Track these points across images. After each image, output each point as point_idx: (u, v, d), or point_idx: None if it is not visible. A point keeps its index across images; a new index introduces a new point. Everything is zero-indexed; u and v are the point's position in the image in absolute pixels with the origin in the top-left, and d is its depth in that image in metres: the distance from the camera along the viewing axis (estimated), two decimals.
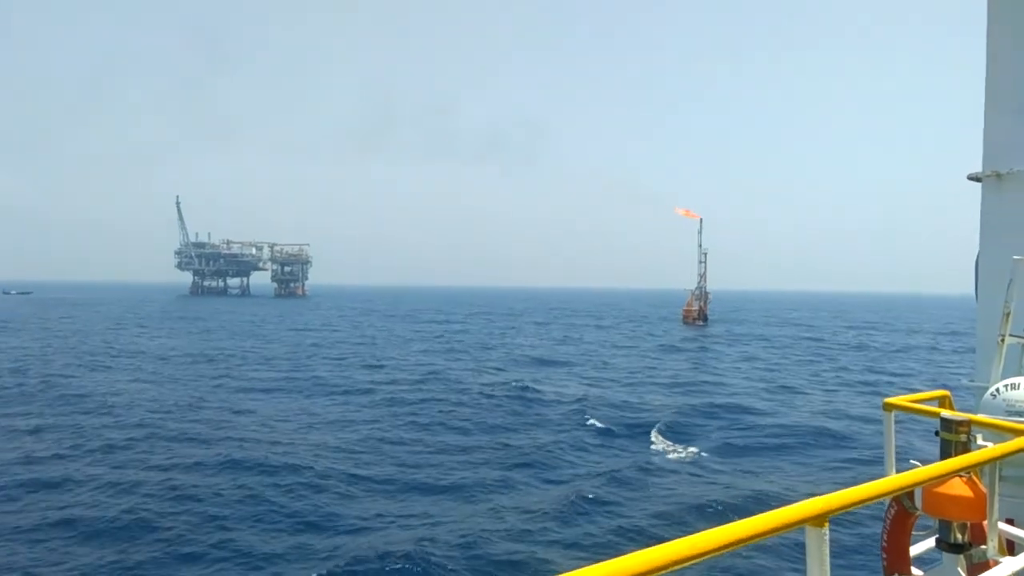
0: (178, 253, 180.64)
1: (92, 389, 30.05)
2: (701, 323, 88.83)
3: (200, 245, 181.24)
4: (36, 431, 21.80)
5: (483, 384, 33.04)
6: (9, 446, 19.79)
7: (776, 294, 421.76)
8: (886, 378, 38.80)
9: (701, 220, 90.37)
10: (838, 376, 39.63)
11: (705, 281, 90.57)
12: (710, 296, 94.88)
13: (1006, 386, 4.28)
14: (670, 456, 20.07)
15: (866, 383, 36.61)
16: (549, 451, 19.97)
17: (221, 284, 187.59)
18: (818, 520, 2.27)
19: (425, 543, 12.64)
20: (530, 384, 32.86)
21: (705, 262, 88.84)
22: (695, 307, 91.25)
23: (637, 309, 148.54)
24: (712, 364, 45.65)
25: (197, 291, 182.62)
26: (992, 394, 4.31)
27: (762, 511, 2.18)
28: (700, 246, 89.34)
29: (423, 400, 28.40)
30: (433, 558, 12.03)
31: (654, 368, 42.15)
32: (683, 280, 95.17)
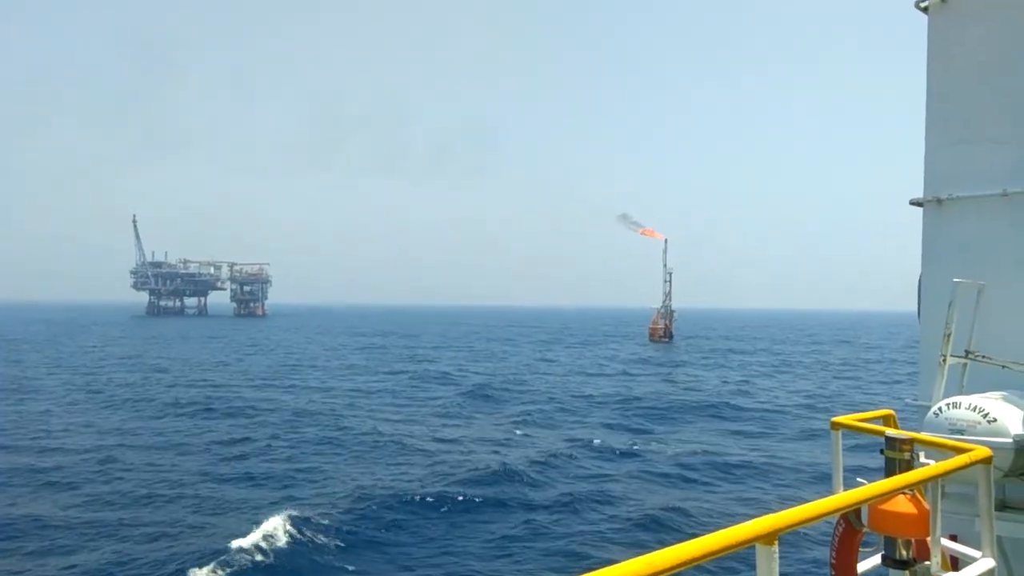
0: (134, 272, 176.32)
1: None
2: (667, 340, 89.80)
3: (157, 264, 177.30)
4: None
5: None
6: None
7: (741, 312, 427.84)
8: (832, 395, 39.54)
9: (666, 240, 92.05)
10: (792, 390, 40.44)
11: (670, 300, 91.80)
12: (675, 314, 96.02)
13: (948, 405, 4.40)
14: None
15: (816, 399, 37.31)
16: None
17: (178, 304, 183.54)
18: (768, 538, 2.29)
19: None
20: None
21: (670, 281, 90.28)
22: (661, 325, 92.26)
23: (599, 328, 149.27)
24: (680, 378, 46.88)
25: (154, 311, 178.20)
26: (935, 412, 4.43)
27: (711, 531, 2.21)
28: (665, 265, 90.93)
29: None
30: None
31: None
32: (645, 299, 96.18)
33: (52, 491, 17.79)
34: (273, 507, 15.76)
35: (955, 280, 5.00)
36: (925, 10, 5.93)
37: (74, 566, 12.80)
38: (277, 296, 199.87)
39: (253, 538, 13.61)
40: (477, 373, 49.55)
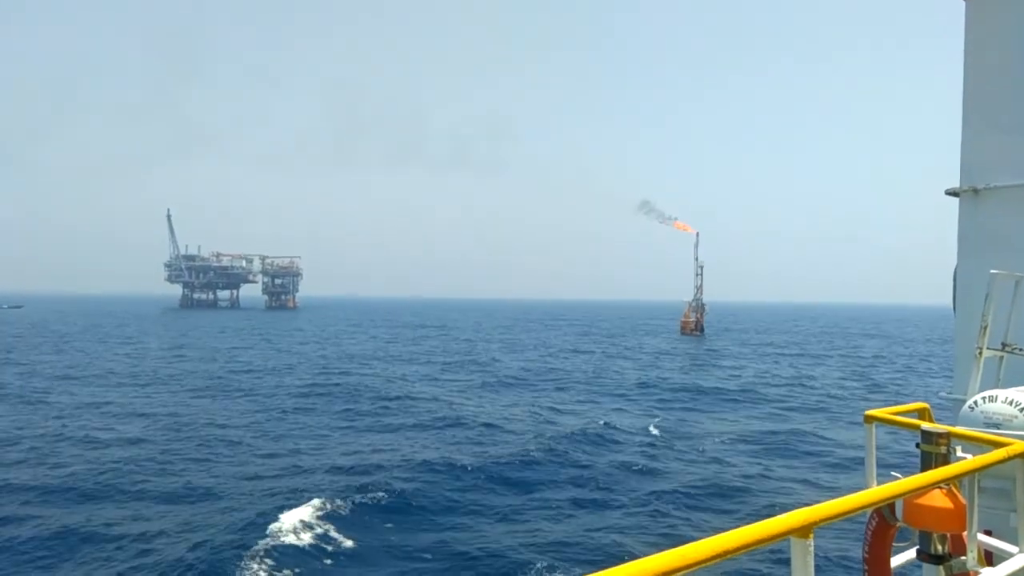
0: (168, 266, 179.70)
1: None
2: (698, 334, 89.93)
3: (190, 258, 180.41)
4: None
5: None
6: None
7: (772, 306, 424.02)
8: (868, 389, 39.12)
9: (697, 234, 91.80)
10: (818, 385, 40.13)
11: (701, 293, 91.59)
12: (706, 308, 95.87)
13: (984, 398, 4.33)
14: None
15: (847, 393, 37.01)
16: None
17: (211, 296, 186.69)
18: (803, 531, 2.30)
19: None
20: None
21: (701, 275, 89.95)
22: (692, 318, 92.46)
23: (625, 322, 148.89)
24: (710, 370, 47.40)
25: (187, 303, 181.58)
26: (971, 406, 4.36)
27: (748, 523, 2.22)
28: (696, 259, 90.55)
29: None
30: None
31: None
32: (670, 293, 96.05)
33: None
34: None
35: (992, 271, 4.89)
36: None
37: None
38: (305, 289, 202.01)
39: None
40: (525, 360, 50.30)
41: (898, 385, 41.08)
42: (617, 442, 23.16)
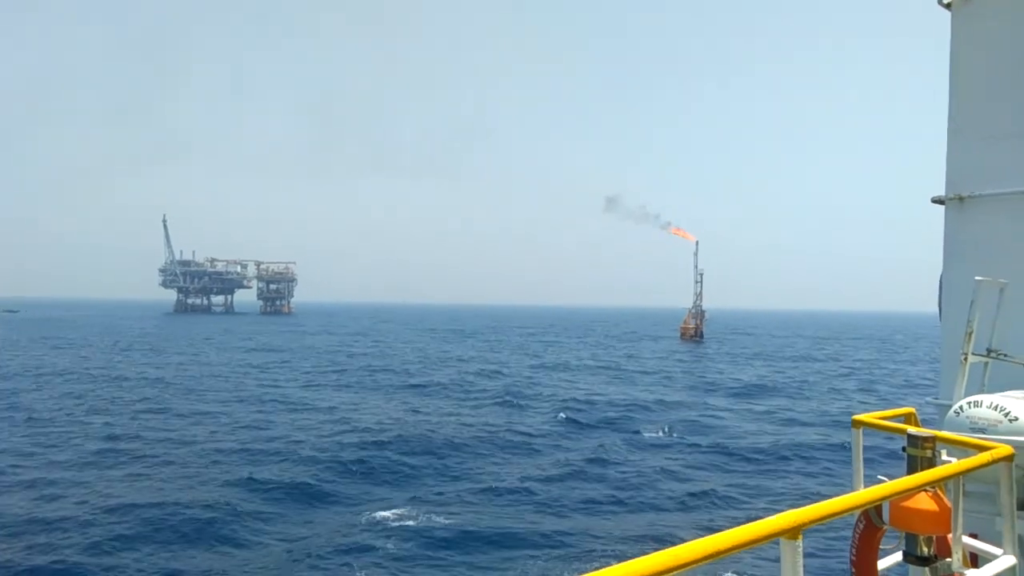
0: (162, 271, 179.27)
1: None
2: (698, 340, 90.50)
3: (185, 263, 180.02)
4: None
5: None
6: None
7: (771, 313, 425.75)
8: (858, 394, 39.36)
9: (697, 242, 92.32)
10: (810, 389, 40.37)
11: (701, 300, 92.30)
12: (706, 315, 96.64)
13: (969, 403, 4.39)
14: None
15: (839, 397, 37.27)
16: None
17: (205, 302, 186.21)
18: (792, 533, 2.34)
19: None
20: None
21: (701, 282, 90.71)
22: (692, 325, 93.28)
23: (623, 328, 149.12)
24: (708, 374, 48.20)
25: (182, 309, 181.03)
26: (956, 411, 4.42)
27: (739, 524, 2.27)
28: (696, 267, 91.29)
29: None
30: None
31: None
32: (665, 299, 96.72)
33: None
34: None
35: (977, 278, 4.95)
36: (948, 7, 5.89)
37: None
38: (299, 295, 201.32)
39: None
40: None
41: (889, 389, 41.39)
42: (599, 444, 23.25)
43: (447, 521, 15.40)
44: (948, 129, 5.82)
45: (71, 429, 25.44)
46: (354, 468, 20.17)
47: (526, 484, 18.41)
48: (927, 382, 43.79)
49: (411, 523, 15.30)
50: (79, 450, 21.97)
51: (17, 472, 19.11)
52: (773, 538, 2.30)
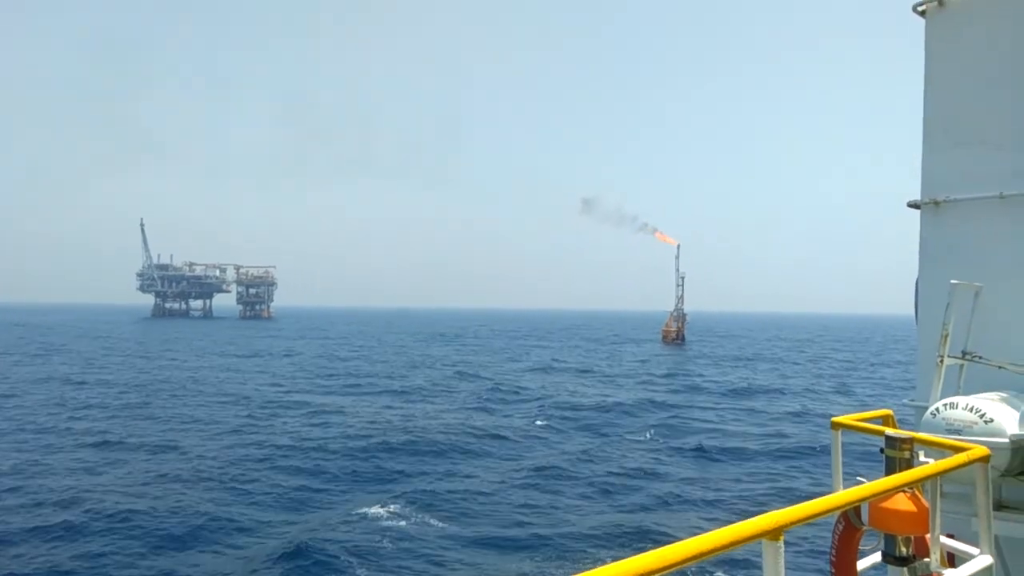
0: (140, 275, 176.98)
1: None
2: (679, 343, 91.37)
3: (163, 267, 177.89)
4: None
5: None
6: None
7: (751, 316, 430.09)
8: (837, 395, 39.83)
9: (679, 246, 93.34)
10: (788, 390, 40.83)
11: (683, 303, 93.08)
12: (687, 317, 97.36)
13: (945, 405, 4.45)
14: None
15: (817, 399, 37.73)
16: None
17: (183, 306, 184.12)
18: (774, 534, 2.35)
19: None
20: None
21: (683, 285, 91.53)
22: (673, 328, 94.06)
23: (605, 331, 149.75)
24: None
25: (159, 313, 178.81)
26: (932, 413, 4.48)
27: (720, 525, 2.29)
28: (677, 270, 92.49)
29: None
30: None
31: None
32: (641, 302, 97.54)
33: None
34: None
35: (952, 282, 5.02)
36: (922, 14, 5.96)
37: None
38: (279, 299, 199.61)
39: None
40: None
41: (865, 390, 41.96)
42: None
43: (435, 522, 15.44)
44: (923, 134, 5.91)
45: (57, 436, 25.04)
46: (340, 472, 20.10)
47: (509, 485, 18.48)
48: (903, 383, 44.46)
49: (402, 523, 15.36)
50: (65, 456, 21.66)
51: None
52: (756, 539, 2.31)
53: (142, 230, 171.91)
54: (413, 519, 15.68)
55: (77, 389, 38.56)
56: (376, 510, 16.21)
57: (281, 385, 42.34)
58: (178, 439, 24.72)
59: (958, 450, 3.82)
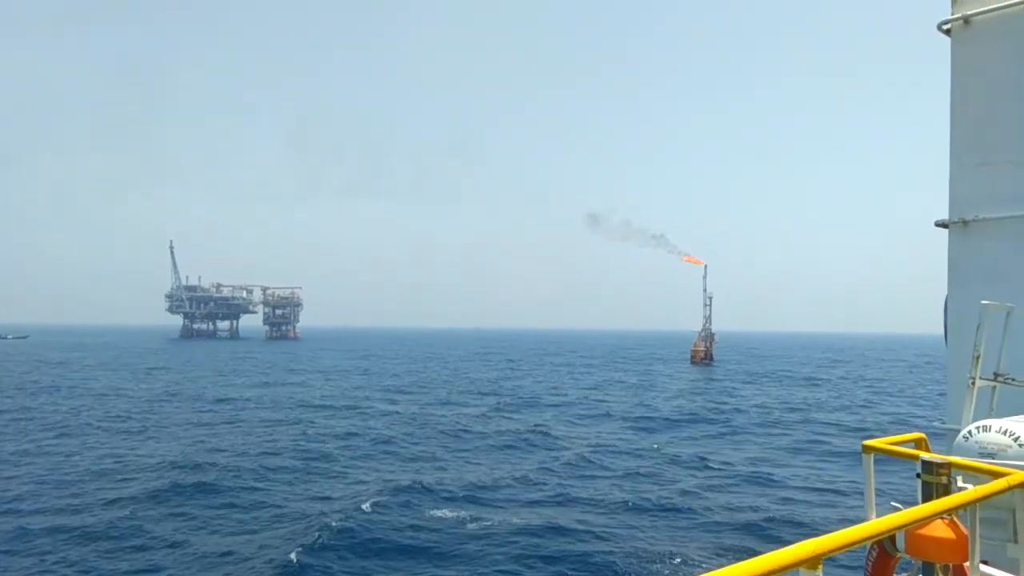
0: (169, 296, 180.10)
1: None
2: (708, 362, 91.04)
3: (191, 288, 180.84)
4: None
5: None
6: None
7: (781, 335, 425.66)
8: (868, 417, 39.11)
9: (706, 266, 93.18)
10: (815, 412, 40.25)
11: (710, 323, 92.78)
12: (715, 337, 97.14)
13: (978, 428, 4.36)
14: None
15: (846, 420, 37.13)
16: None
17: (211, 327, 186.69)
18: (812, 562, 2.34)
19: None
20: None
21: (710, 305, 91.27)
22: (702, 347, 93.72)
23: (631, 351, 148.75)
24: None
25: (188, 334, 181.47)
26: (965, 436, 4.40)
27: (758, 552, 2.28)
28: (705, 290, 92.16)
29: None
30: None
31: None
32: (665, 322, 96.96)
33: None
34: None
35: (983, 302, 4.94)
36: (948, 32, 5.94)
37: None
38: (304, 319, 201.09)
39: None
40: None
41: (896, 411, 41.22)
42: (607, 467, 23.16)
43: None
44: (950, 153, 5.85)
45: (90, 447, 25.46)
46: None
47: (564, 503, 18.92)
48: (931, 405, 43.68)
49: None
50: (97, 470, 22.01)
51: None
52: (793, 568, 2.29)
53: (171, 252, 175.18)
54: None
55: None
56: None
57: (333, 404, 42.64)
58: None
59: (996, 475, 3.74)
